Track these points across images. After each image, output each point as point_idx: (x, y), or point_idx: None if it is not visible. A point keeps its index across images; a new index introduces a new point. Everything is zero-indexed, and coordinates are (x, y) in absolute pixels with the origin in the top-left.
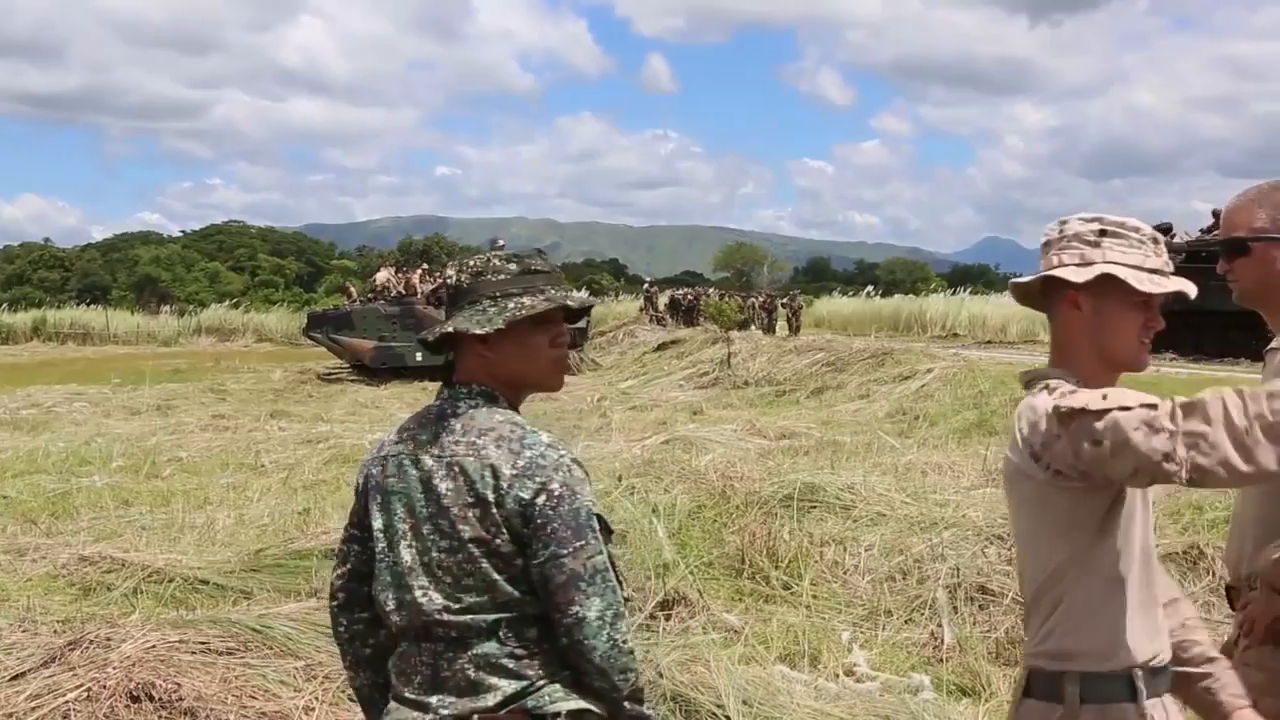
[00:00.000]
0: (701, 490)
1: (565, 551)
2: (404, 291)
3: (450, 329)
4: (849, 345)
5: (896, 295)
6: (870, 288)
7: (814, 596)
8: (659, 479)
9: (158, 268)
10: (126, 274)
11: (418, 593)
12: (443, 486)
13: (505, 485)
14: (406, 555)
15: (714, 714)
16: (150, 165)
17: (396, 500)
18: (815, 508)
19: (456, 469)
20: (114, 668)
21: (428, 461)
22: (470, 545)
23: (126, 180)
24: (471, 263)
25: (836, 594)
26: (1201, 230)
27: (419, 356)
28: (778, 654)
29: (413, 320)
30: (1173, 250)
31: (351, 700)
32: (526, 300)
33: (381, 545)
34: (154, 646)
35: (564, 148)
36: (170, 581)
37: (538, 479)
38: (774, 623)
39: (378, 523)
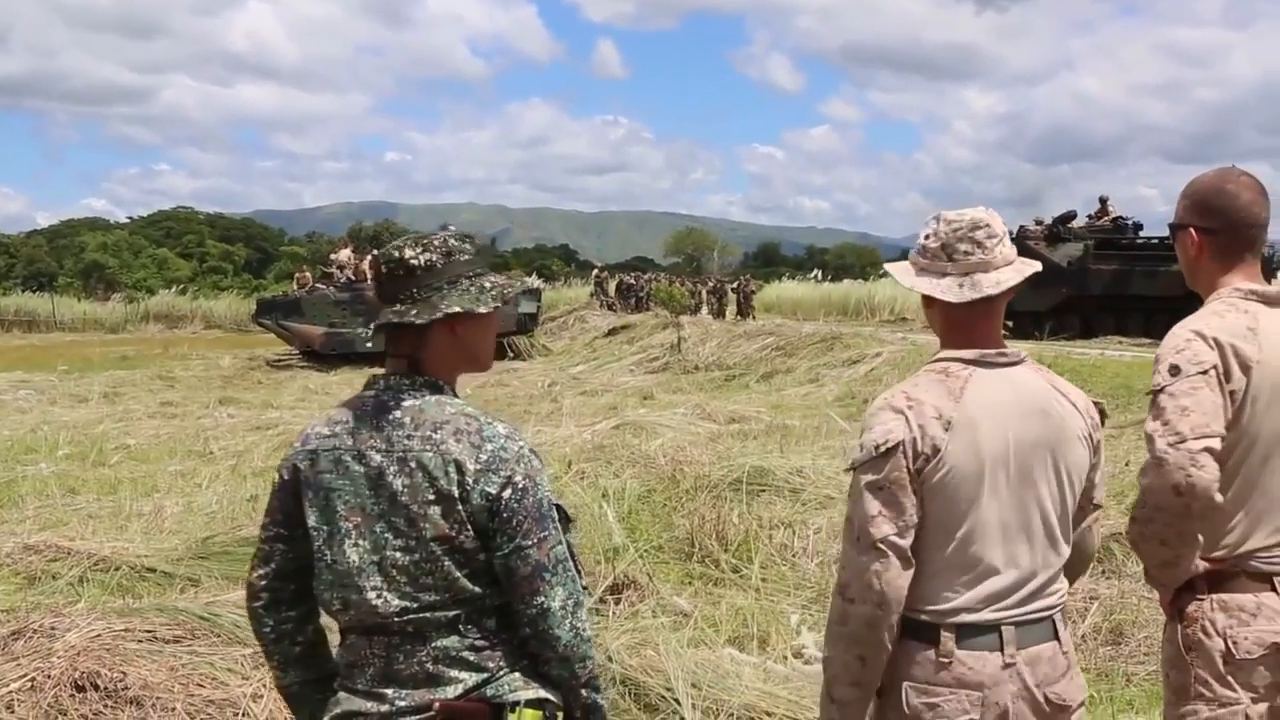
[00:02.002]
0: (651, 474)
1: (529, 543)
2: (354, 277)
3: (456, 308)
4: (798, 330)
5: (846, 280)
6: (818, 272)
7: (763, 579)
8: (609, 463)
9: (105, 254)
10: (73, 261)
11: (370, 594)
12: (397, 484)
13: (470, 480)
14: (353, 555)
15: (663, 697)
16: (96, 151)
17: (336, 498)
18: (764, 491)
19: (413, 465)
20: (58, 657)
21: (374, 457)
22: (432, 544)
23: (72, 166)
24: (435, 242)
25: (785, 576)
26: (1089, 216)
27: (369, 343)
28: (727, 637)
29: (362, 306)
30: (1074, 236)
31: None
32: (498, 279)
33: (319, 543)
34: (99, 635)
35: (514, 133)
36: (117, 570)
37: (502, 473)
38: (723, 606)
39: (312, 519)
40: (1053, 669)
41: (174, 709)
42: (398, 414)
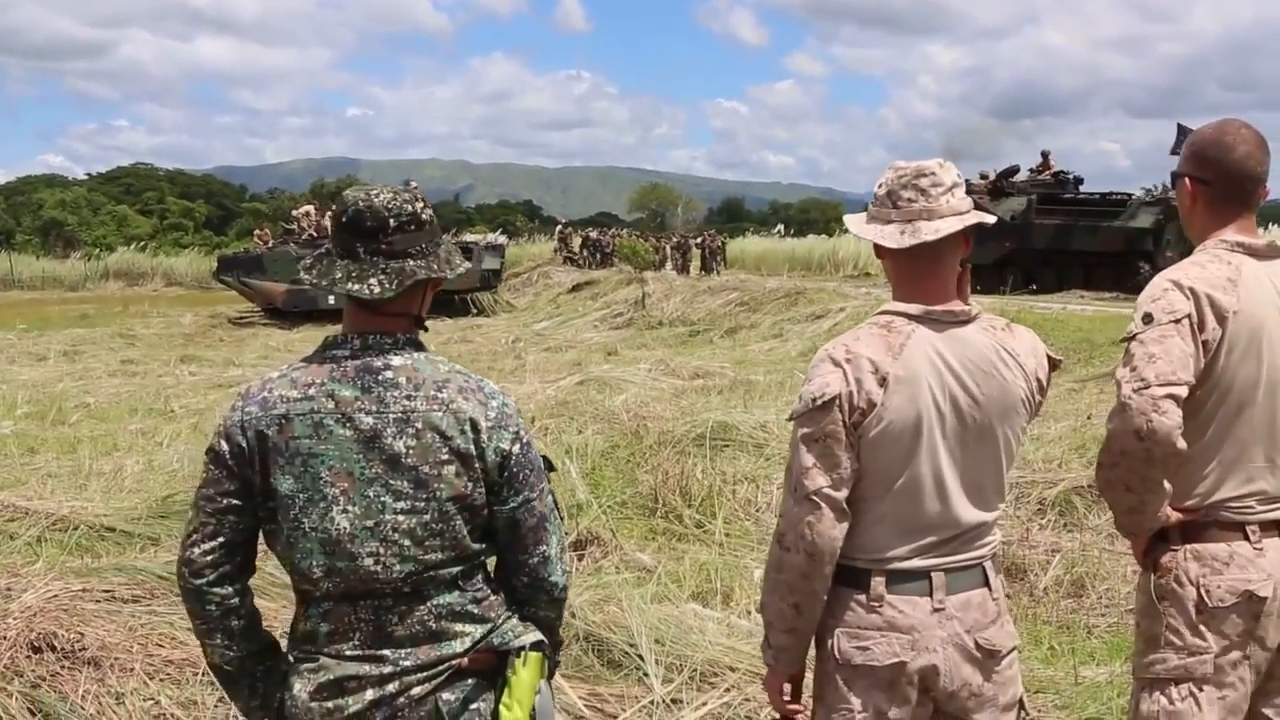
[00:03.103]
0: (615, 430)
1: (534, 496)
2: (316, 233)
3: (460, 264)
4: (762, 285)
5: (810, 235)
6: (781, 227)
7: (726, 534)
8: (572, 419)
9: (63, 211)
10: (31, 218)
11: (366, 560)
12: (399, 445)
13: (485, 438)
14: (342, 521)
15: (627, 653)
16: (53, 106)
17: (318, 463)
18: (728, 446)
19: (419, 425)
20: (14, 618)
21: (365, 420)
22: (447, 504)
23: (28, 122)
24: (416, 193)
25: (749, 532)
26: (1031, 170)
27: (331, 299)
28: (690, 592)
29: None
30: (1018, 190)
31: None
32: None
33: (293, 511)
34: (56, 596)
35: (477, 88)
36: (75, 529)
37: (510, 428)
38: (686, 561)
39: (284, 487)
40: (983, 615)
41: (132, 669)
42: (389, 374)
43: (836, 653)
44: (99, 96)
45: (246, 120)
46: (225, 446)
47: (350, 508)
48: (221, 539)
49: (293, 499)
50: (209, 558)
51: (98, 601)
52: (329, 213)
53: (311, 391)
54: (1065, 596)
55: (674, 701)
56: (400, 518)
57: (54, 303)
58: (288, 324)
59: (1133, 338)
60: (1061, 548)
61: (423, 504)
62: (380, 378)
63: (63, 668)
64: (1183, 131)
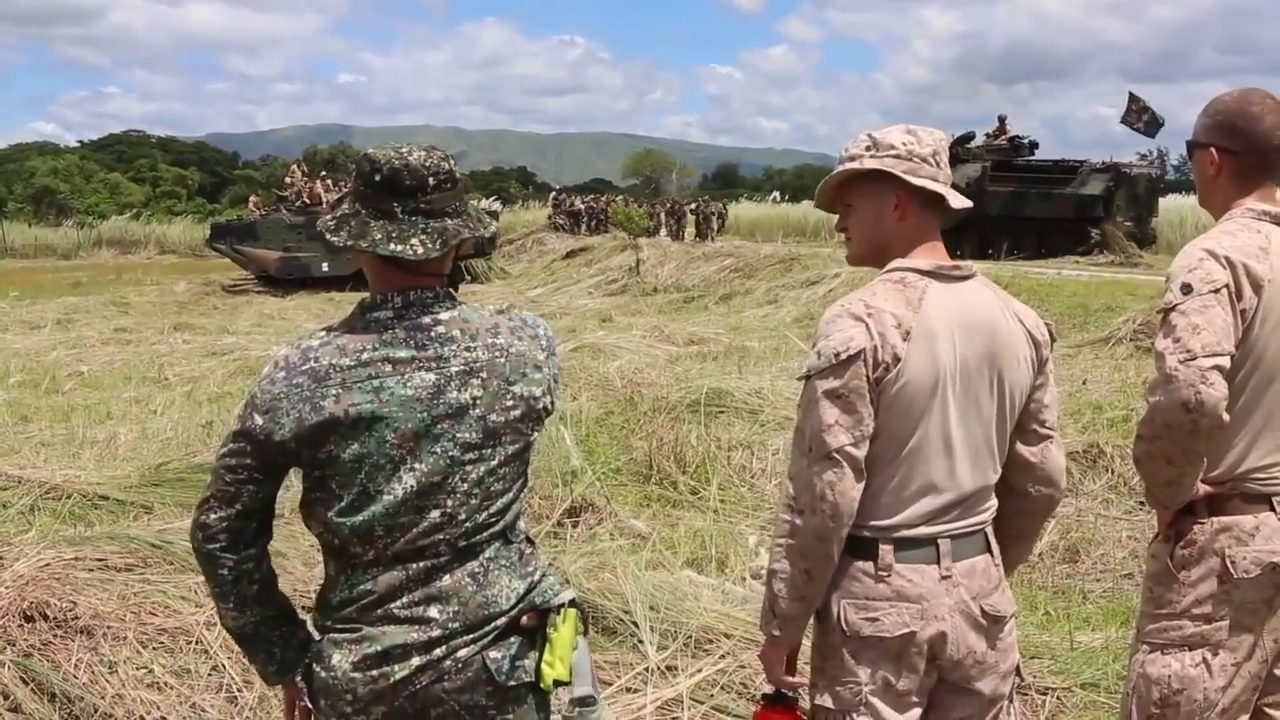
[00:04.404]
0: (609, 397)
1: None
2: (309, 201)
3: (493, 222)
4: (757, 251)
5: (804, 201)
6: (776, 193)
7: (721, 501)
8: (567, 386)
9: (55, 179)
10: (23, 186)
11: (433, 513)
12: (464, 396)
13: (546, 371)
14: (409, 479)
15: (621, 620)
16: (43, 73)
17: (384, 426)
18: (723, 412)
19: (484, 375)
20: (6, 586)
21: (425, 376)
22: (512, 447)
23: (18, 89)
24: (448, 156)
25: (743, 498)
26: (987, 135)
27: (325, 266)
28: (685, 559)
29: (318, 230)
30: (973, 157)
31: None
32: None
33: (360, 476)
34: (49, 564)
35: (470, 54)
36: (68, 498)
37: (555, 352)
38: (681, 528)
39: (349, 453)
40: (987, 581)
41: (125, 638)
42: (441, 329)
43: (844, 624)
44: (90, 63)
45: (238, 87)
46: (259, 421)
47: (418, 465)
48: (239, 506)
49: (358, 464)
50: (224, 524)
51: (90, 570)
52: (319, 180)
53: (365, 357)
54: (1061, 562)
55: (669, 668)
56: (469, 468)
57: (47, 271)
58: (281, 291)
59: (1173, 308)
60: (1057, 513)
61: (489, 451)
62: (433, 334)
63: (55, 637)
64: (1134, 99)
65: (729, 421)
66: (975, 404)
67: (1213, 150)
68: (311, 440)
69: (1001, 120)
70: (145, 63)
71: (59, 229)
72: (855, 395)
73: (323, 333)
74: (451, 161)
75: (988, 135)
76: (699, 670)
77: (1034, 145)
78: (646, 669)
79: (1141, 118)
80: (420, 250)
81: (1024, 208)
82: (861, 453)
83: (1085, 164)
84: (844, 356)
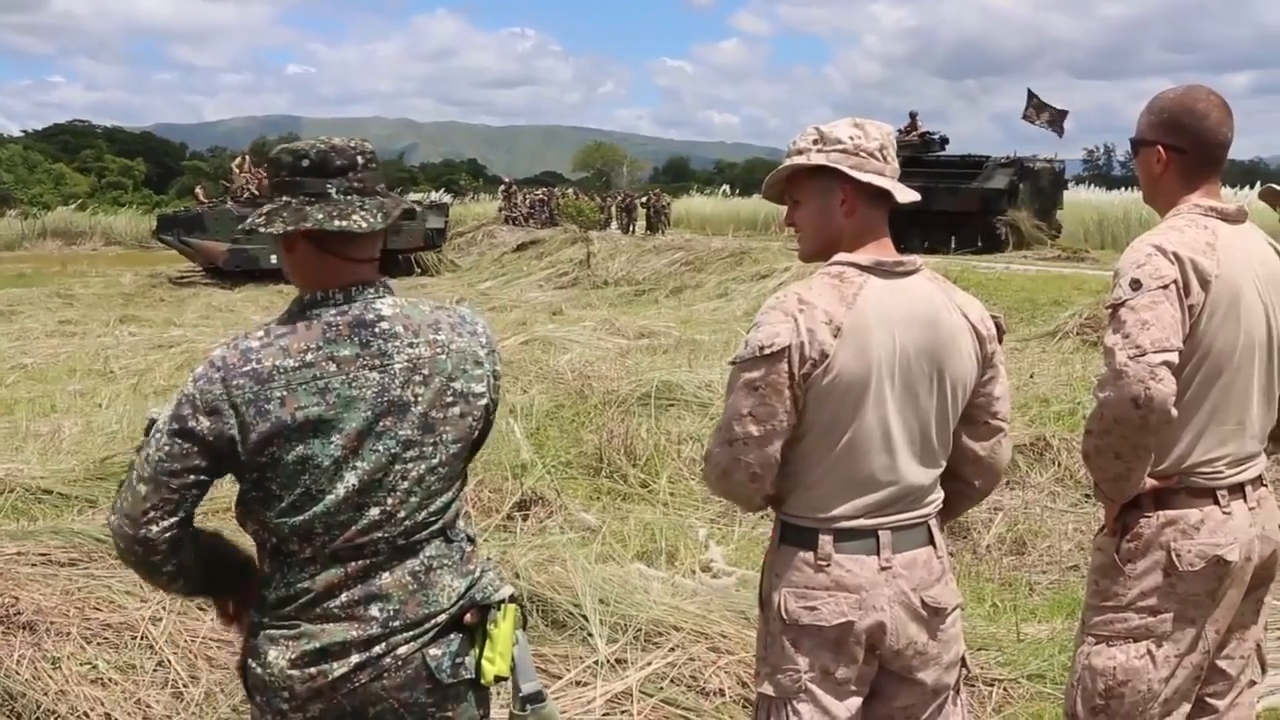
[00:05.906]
0: (560, 390)
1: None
2: (257, 192)
3: (420, 226)
4: (708, 245)
5: (755, 195)
6: (726, 187)
7: (671, 494)
8: (517, 379)
9: None
10: None
11: (372, 510)
12: (407, 394)
13: (487, 368)
14: (351, 478)
15: (571, 613)
16: None
17: (329, 428)
18: (673, 406)
19: (426, 372)
20: None
21: (370, 376)
22: (453, 445)
23: None
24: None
25: (694, 491)
26: (900, 131)
27: (273, 259)
28: (635, 552)
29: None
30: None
31: (201, 609)
32: None
33: (304, 477)
34: None
35: (420, 46)
36: (11, 492)
37: (495, 349)
38: (631, 521)
39: (292, 455)
40: (928, 573)
41: (69, 634)
42: (384, 325)
43: (784, 613)
44: (33, 51)
45: (185, 77)
46: (203, 423)
47: (360, 463)
48: (181, 514)
49: (302, 466)
50: (167, 534)
51: (34, 565)
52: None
53: (309, 358)
54: (1007, 554)
55: (618, 662)
56: (410, 465)
57: None
58: (229, 284)
59: (1122, 304)
60: (1004, 506)
61: (430, 449)
62: (377, 330)
63: None
64: (1031, 97)
65: (679, 414)
66: (915, 398)
67: (1159, 148)
68: (256, 445)
69: (913, 116)
70: (90, 51)
71: (2, 219)
72: (771, 390)
73: (261, 332)
74: (360, 142)
75: (900, 131)
76: (649, 663)
77: (944, 141)
78: (596, 662)
79: (1041, 114)
80: (365, 224)
81: (934, 202)
82: (770, 444)
83: (990, 159)
84: (767, 352)
